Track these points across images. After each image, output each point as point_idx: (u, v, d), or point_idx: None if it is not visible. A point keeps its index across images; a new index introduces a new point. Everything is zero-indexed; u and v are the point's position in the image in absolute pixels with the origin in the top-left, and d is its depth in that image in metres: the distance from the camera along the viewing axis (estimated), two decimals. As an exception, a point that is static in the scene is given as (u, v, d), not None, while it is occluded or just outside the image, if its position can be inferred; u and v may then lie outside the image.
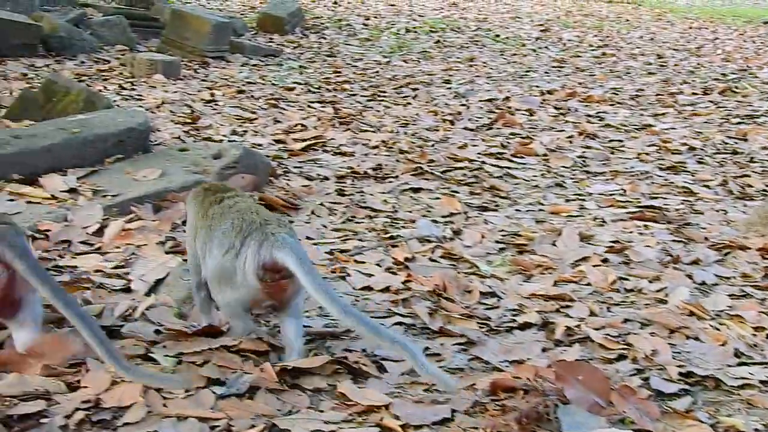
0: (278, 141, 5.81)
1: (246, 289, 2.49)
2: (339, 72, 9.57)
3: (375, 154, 5.62)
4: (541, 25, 15.94)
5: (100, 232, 3.52)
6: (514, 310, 3.15)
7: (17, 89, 6.96)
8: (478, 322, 3.01)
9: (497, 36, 14.15)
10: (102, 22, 10.30)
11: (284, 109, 7.04)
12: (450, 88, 8.67)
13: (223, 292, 2.54)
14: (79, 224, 3.51)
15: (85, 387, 2.28)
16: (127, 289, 3.04)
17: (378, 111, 7.20)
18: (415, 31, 14.19)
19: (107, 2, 12.79)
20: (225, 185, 2.95)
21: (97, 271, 3.18)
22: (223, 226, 2.54)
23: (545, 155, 5.79)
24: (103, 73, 8.25)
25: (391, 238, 3.86)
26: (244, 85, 8.25)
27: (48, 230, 3.48)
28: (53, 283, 2.23)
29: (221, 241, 2.52)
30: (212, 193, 2.75)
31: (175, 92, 7.41)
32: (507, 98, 8.01)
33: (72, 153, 4.06)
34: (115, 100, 6.76)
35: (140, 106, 6.61)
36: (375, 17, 15.91)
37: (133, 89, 7.51)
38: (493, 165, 5.48)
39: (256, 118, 6.55)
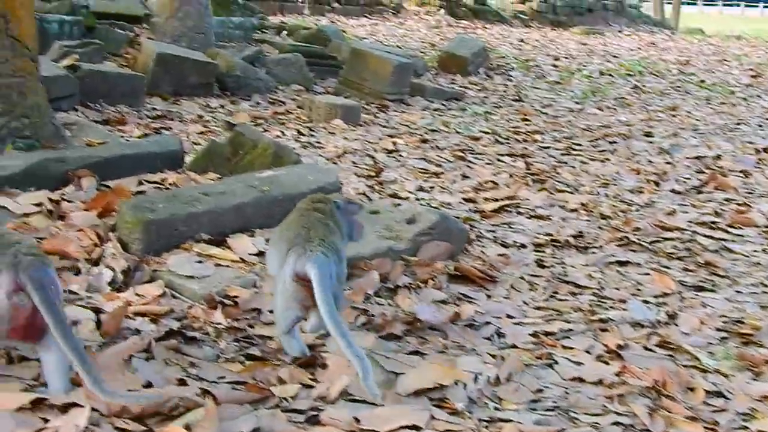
0: (468, 200, 5.85)
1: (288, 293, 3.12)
2: (528, 120, 9.58)
3: (574, 219, 5.58)
4: (751, 69, 15.53)
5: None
6: (745, 414, 3.05)
7: (194, 132, 7.31)
8: (705, 427, 2.93)
9: (702, 81, 13.89)
10: (278, 60, 10.67)
11: (472, 162, 7.10)
12: (652, 142, 8.54)
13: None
14: (269, 291, 3.62)
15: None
16: (323, 365, 3.11)
17: (574, 167, 7.17)
18: (610, 74, 14.08)
19: (283, 39, 13.23)
20: (322, 196, 3.52)
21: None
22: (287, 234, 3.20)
23: (766, 227, 5.62)
24: (280, 117, 8.53)
25: (600, 320, 3.82)
26: (426, 132, 8.37)
27: (236, 296, 3.60)
28: (61, 319, 2.60)
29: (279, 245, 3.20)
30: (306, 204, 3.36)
31: (356, 140, 7.59)
32: (717, 156, 7.83)
33: (261, 212, 4.20)
34: (293, 147, 6.99)
35: (320, 155, 6.80)
36: (565, 57, 15.89)
37: (312, 135, 7.73)
38: (706, 236, 5.34)
39: (442, 173, 6.62)
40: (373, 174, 6.28)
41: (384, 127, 8.52)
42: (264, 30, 14.25)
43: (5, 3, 4.87)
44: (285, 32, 14.27)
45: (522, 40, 18.94)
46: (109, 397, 2.55)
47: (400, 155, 7.18)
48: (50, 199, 4.34)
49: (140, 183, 4.78)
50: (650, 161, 7.59)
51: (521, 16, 24.34)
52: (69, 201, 4.39)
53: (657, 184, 6.73)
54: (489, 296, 4.01)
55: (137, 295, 3.56)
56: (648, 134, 8.98)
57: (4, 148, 4.87)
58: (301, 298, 3.10)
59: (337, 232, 3.27)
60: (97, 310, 3.31)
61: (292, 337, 3.19)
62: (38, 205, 4.28)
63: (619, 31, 25.23)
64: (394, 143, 7.57)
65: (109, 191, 4.47)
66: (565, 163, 7.37)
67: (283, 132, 7.72)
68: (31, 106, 5.05)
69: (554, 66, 14.77)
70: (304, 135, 7.71)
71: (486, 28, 21.77)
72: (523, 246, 4.90)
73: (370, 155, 7.00)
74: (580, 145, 8.23)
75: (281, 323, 3.16)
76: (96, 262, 3.82)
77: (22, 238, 2.81)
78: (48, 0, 11.54)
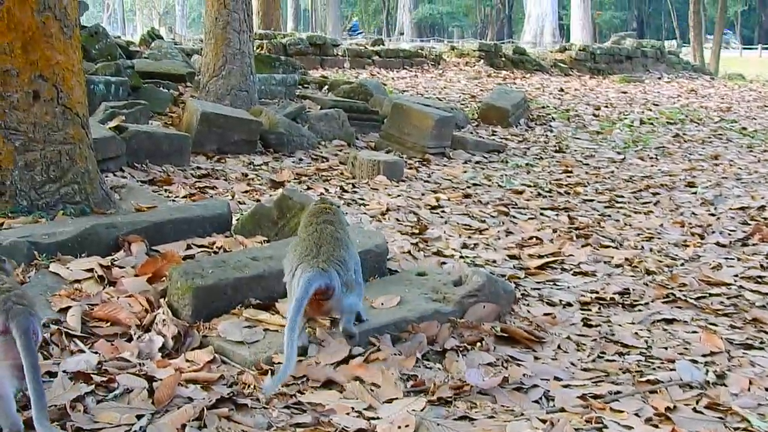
0: (513, 257, 5.86)
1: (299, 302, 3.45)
2: (570, 171, 9.60)
3: (619, 275, 5.57)
4: (794, 115, 15.45)
5: (340, 363, 3.65)
6: (797, 479, 3.03)
7: (239, 191, 7.38)
8: (757, 492, 2.92)
9: (744, 129, 13.84)
10: (320, 116, 10.77)
11: (515, 217, 7.12)
12: (695, 193, 8.52)
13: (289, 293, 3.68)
14: (316, 359, 3.65)
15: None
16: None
17: (617, 221, 7.16)
18: (651, 123, 14.08)
19: (324, 94, 13.37)
20: (329, 203, 4.10)
21: (341, 409, 3.28)
22: (295, 250, 3.72)
23: (815, 281, 5.58)
24: (323, 173, 8.60)
25: (648, 381, 3.80)
26: (469, 187, 8.41)
27: (281, 362, 3.61)
28: (36, 365, 2.86)
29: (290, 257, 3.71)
30: (313, 214, 3.92)
31: (399, 196, 7.63)
32: (762, 207, 7.78)
33: (309, 276, 4.25)
34: (338, 206, 7.04)
35: (364, 213, 6.85)
36: (605, 106, 15.90)
37: (355, 191, 7.79)
38: (753, 291, 5.30)
39: (486, 228, 6.64)
40: (416, 231, 6.31)
41: (426, 181, 8.57)
42: (305, 85, 14.43)
43: (57, 72, 4.98)
44: (326, 87, 14.43)
45: (562, 90, 18.98)
46: None
47: (444, 211, 7.21)
48: (101, 265, 4.42)
49: (189, 247, 4.85)
50: (694, 213, 7.57)
51: (560, 64, 24.40)
52: (120, 267, 4.46)
53: (701, 236, 6.70)
54: (536, 358, 4.01)
55: (188, 361, 3.60)
56: (691, 184, 8.96)
57: (56, 214, 4.96)
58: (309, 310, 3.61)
59: (346, 238, 3.84)
60: (150, 378, 3.35)
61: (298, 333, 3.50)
62: (89, 271, 4.37)
63: (659, 78, 25.23)
64: (437, 199, 7.61)
65: (159, 256, 4.54)
66: (609, 216, 7.36)
67: (326, 189, 7.79)
68: (82, 172, 5.14)
69: (595, 115, 14.79)
70: (347, 191, 7.77)
71: (525, 77, 21.86)
72: (569, 304, 4.90)
73: (413, 212, 7.04)
74: (622, 197, 8.22)
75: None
76: (147, 329, 3.88)
77: (14, 287, 3.09)
78: (94, 60, 11.77)
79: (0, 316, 2.93)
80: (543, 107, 15.36)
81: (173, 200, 6.63)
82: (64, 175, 5.06)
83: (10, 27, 4.82)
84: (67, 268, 4.37)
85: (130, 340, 3.77)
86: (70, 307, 3.95)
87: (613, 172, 9.68)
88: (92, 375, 3.33)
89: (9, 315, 2.92)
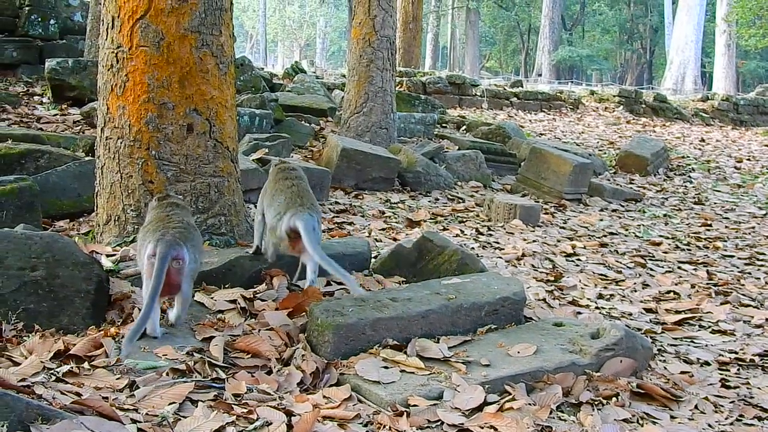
0: (649, 310, 5.78)
1: (279, 239, 4.69)
2: (709, 225, 9.41)
3: (759, 335, 5.43)
4: None
5: (474, 410, 3.65)
6: None
7: (376, 228, 7.47)
8: None
9: None
10: (458, 156, 10.82)
11: (652, 269, 7.01)
12: (840, 252, 8.25)
13: (270, 236, 4.78)
14: (452, 404, 3.66)
15: None
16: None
17: (758, 279, 6.98)
18: (796, 179, 13.65)
19: (462, 134, 13.43)
20: (290, 165, 5.08)
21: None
22: (279, 198, 4.76)
23: None
24: (459, 214, 8.63)
25: (789, 450, 3.71)
26: (605, 235, 8.32)
27: (416, 405, 3.64)
28: (156, 288, 3.70)
29: (276, 207, 4.73)
30: (282, 171, 4.99)
31: (534, 241, 7.61)
32: None
33: (446, 320, 4.26)
34: (472, 247, 7.07)
35: (499, 257, 6.85)
36: (748, 159, 15.52)
37: (491, 234, 7.80)
38: None
39: (622, 280, 6.57)
40: (552, 279, 6.28)
41: (562, 228, 8.52)
42: (444, 125, 14.52)
43: (211, 106, 5.16)
44: (464, 128, 14.49)
45: (703, 140, 18.61)
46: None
47: (579, 259, 7.16)
48: (244, 297, 4.53)
49: (328, 283, 4.94)
50: (839, 274, 7.33)
51: (702, 114, 23.91)
52: (261, 300, 4.57)
53: None
54: (673, 417, 3.94)
55: (325, 397, 3.66)
56: (836, 244, 8.68)
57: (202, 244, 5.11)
58: (289, 247, 4.68)
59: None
60: (288, 412, 3.41)
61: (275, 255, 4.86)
62: (232, 302, 4.48)
63: (806, 132, 24.51)
64: (573, 246, 7.55)
65: (300, 292, 4.63)
66: (749, 273, 7.18)
67: (462, 231, 7.81)
68: (229, 204, 5.30)
69: (736, 168, 14.45)
70: (482, 234, 7.79)
71: (665, 125, 21.51)
72: (707, 363, 4.80)
73: (549, 258, 7.01)
74: (764, 254, 8.01)
75: (269, 251, 4.86)
76: (286, 362, 3.96)
77: (183, 223, 3.97)
78: (239, 92, 12.11)
79: (152, 243, 3.80)
80: (683, 157, 15.08)
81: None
82: (212, 207, 5.22)
83: (169, 62, 5.02)
84: (212, 298, 4.49)
85: (270, 372, 3.85)
86: (213, 336, 4.06)
87: (754, 227, 9.44)
88: (233, 405, 3.41)
89: (157, 243, 3.77)
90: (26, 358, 3.55)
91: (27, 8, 13.43)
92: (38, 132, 8.42)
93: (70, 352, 3.66)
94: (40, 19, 13.49)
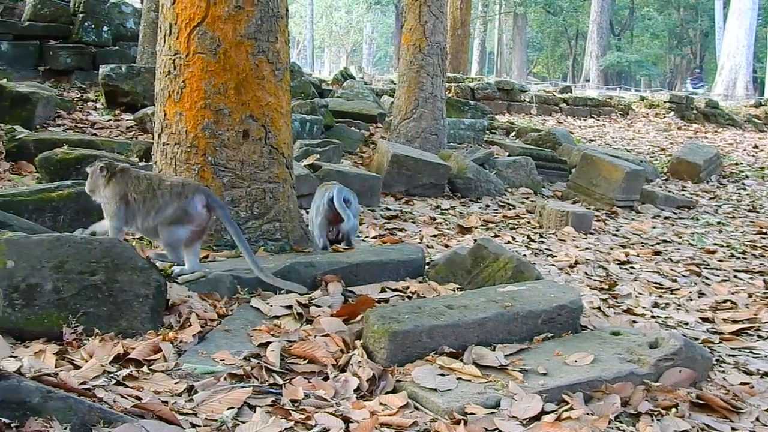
0: (705, 320, 5.72)
1: (323, 215, 5.69)
2: (764, 233, 9.30)
3: (819, 346, 5.36)
4: None
5: (532, 420, 3.63)
6: None
7: (427, 235, 7.47)
8: None
9: None
10: (508, 162, 10.80)
11: (707, 278, 6.94)
12: None
13: (316, 218, 5.76)
14: (509, 413, 3.65)
15: None
16: None
17: (816, 288, 6.89)
18: None
19: (512, 140, 13.40)
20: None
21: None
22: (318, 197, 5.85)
23: None
24: (510, 221, 8.61)
25: None
26: (658, 243, 8.25)
27: (473, 413, 3.63)
28: (238, 232, 4.58)
29: (316, 200, 5.87)
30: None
31: (587, 249, 7.56)
32: None
33: (502, 328, 4.25)
34: (524, 254, 7.04)
35: (552, 264, 6.82)
36: (804, 166, 15.30)
37: (543, 241, 7.76)
38: None
39: (678, 288, 6.50)
40: (606, 287, 6.24)
41: (615, 235, 8.46)
42: (493, 131, 14.49)
43: (267, 113, 5.19)
44: (513, 134, 14.45)
45: (756, 147, 18.40)
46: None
47: (633, 267, 7.10)
48: (299, 303, 4.55)
49: (383, 290, 4.94)
50: None
51: (754, 120, 23.63)
52: (317, 305, 4.58)
53: None
54: (734, 429, 3.89)
55: (382, 404, 3.65)
56: None
57: (257, 250, 5.14)
58: (329, 216, 5.67)
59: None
60: (346, 419, 3.42)
61: (321, 238, 5.73)
62: (288, 307, 4.50)
63: None
64: (626, 254, 7.50)
65: (355, 298, 4.64)
66: (807, 282, 7.09)
67: (513, 237, 7.79)
68: (283, 210, 5.33)
69: (791, 175, 14.30)
70: (534, 241, 7.76)
71: (717, 132, 21.31)
72: (767, 374, 4.74)
73: (602, 266, 6.96)
74: (821, 263, 7.90)
75: (317, 233, 5.70)
76: (343, 369, 3.96)
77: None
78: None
79: (202, 195, 4.53)
80: (736, 164, 14.93)
81: (363, 240, 6.77)
82: (267, 213, 5.25)
83: (226, 68, 5.06)
84: (267, 303, 4.52)
85: (326, 379, 3.86)
86: (269, 342, 4.08)
87: (811, 235, 9.32)
88: (291, 411, 3.43)
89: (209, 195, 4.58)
90: (86, 361, 3.59)
91: (81, 15, 13.62)
92: (93, 137, 8.53)
93: (130, 355, 3.69)
94: (93, 26, 13.68)
